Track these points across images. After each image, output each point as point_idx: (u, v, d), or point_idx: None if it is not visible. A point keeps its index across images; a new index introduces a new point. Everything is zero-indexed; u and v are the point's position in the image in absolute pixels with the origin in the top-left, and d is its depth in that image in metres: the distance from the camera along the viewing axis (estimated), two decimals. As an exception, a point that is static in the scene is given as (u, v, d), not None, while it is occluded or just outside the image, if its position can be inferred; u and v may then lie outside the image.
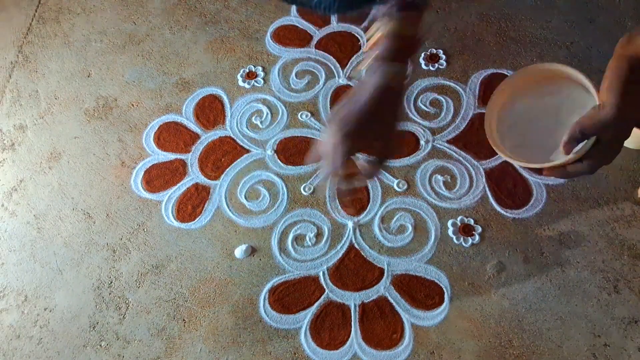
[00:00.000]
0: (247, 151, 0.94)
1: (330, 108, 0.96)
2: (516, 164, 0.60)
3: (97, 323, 0.81)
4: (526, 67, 0.62)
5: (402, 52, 0.53)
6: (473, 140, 0.89)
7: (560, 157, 0.56)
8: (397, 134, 0.54)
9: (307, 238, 0.84)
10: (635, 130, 0.60)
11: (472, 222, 0.82)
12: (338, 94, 0.97)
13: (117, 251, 0.87)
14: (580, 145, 0.54)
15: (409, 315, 0.77)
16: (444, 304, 0.77)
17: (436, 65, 0.97)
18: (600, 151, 0.54)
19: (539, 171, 0.62)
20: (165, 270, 0.84)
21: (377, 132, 0.53)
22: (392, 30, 0.52)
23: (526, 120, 0.63)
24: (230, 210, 0.88)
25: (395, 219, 0.84)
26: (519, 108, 0.63)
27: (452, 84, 0.95)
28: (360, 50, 1.00)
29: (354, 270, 0.81)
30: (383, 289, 0.79)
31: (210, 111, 0.98)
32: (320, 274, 0.81)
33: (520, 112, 0.63)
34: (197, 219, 0.88)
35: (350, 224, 0.84)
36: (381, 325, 0.76)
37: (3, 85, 1.08)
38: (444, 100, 0.93)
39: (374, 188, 0.87)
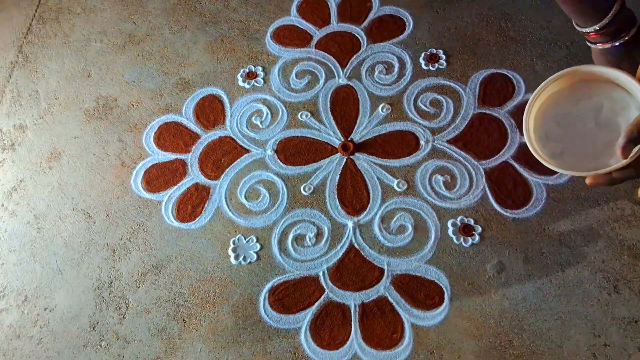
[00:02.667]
0: (247, 151, 0.94)
1: (330, 108, 0.95)
2: (563, 172, 0.58)
3: (97, 323, 0.81)
4: (558, 73, 0.60)
5: None
6: (473, 140, 0.89)
7: (606, 162, 0.55)
8: None
9: (307, 238, 0.84)
10: None
11: (472, 222, 0.82)
12: (338, 93, 0.97)
13: (117, 251, 0.87)
14: (637, 148, 0.53)
15: (409, 315, 0.77)
16: (444, 304, 0.77)
17: (436, 65, 0.97)
18: None
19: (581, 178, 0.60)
20: (165, 270, 0.84)
21: None
22: None
23: (563, 127, 0.61)
24: (230, 210, 0.88)
25: (395, 219, 0.84)
26: (555, 115, 0.62)
27: (452, 84, 0.95)
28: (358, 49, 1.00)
29: (354, 270, 0.81)
30: (383, 289, 0.79)
31: (210, 111, 0.98)
32: (320, 274, 0.81)
33: (557, 119, 0.62)
34: (197, 219, 0.88)
35: (350, 224, 0.84)
36: (381, 325, 0.76)
37: (3, 85, 1.08)
38: (444, 100, 0.93)
39: (374, 188, 0.87)
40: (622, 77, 0.54)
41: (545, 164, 0.58)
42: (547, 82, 0.61)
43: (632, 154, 0.52)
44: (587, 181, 0.56)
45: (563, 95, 0.61)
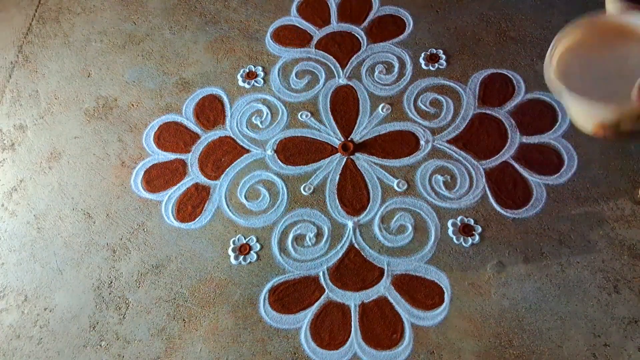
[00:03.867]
0: (247, 151, 0.94)
1: (330, 108, 0.95)
2: (572, 96, 0.56)
3: (97, 323, 0.81)
4: (592, 18, 0.60)
5: None
6: (473, 140, 0.89)
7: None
8: None
9: (307, 238, 0.84)
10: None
11: (472, 222, 0.82)
12: (338, 93, 0.97)
13: (117, 251, 0.87)
14: None
15: (409, 315, 0.77)
16: (444, 304, 0.77)
17: (436, 65, 0.97)
18: None
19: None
20: (165, 270, 0.84)
21: None
22: None
23: (586, 71, 0.60)
24: (230, 210, 0.88)
25: (395, 219, 0.84)
26: (579, 60, 0.61)
27: (452, 84, 0.95)
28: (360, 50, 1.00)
29: (354, 270, 0.81)
30: (383, 289, 0.79)
31: (210, 111, 0.98)
32: (320, 274, 0.81)
33: (581, 63, 0.61)
34: (197, 219, 0.88)
35: (350, 224, 0.84)
36: (381, 325, 0.76)
37: (3, 85, 1.08)
38: (444, 100, 0.93)
39: (374, 188, 0.87)
40: None
41: (556, 87, 0.55)
42: (580, 24, 0.59)
43: None
44: (593, 129, 0.53)
45: (590, 43, 0.60)
